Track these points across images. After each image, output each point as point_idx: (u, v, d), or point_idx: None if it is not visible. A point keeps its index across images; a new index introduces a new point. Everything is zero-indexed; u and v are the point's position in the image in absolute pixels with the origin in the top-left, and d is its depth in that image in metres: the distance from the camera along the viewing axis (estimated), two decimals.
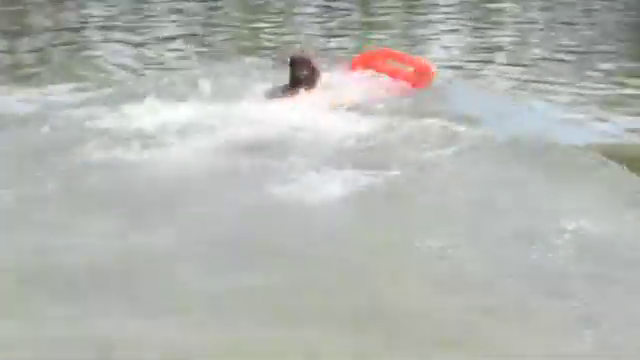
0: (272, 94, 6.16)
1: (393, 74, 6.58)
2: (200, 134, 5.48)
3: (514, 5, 12.55)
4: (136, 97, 6.13)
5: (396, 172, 4.85)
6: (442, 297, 3.53)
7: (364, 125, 5.68)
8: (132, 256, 3.86)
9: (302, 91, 6.09)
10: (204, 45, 9.80)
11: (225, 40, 10.23)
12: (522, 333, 3.24)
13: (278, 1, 13.05)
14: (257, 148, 5.30)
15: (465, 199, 4.56)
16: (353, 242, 4.04)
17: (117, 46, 9.54)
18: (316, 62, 6.26)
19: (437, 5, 12.57)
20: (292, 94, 6.08)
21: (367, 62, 6.78)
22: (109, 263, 3.76)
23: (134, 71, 8.26)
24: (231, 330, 3.24)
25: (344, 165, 4.91)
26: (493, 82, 7.72)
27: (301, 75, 6.12)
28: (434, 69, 6.62)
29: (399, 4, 13.08)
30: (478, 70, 8.25)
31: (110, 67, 8.44)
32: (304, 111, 5.85)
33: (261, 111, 5.84)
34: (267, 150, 5.27)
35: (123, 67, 8.43)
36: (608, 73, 7.99)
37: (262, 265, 3.77)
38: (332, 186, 4.62)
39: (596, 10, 11.98)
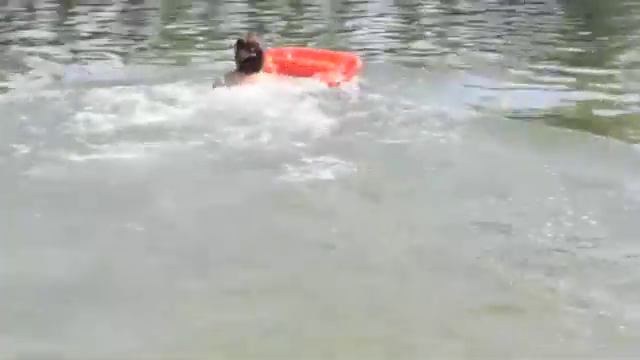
0: (228, 80, 6.11)
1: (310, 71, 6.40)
2: (167, 132, 5.39)
3: None
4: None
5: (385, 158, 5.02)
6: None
7: (332, 111, 5.73)
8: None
9: (260, 74, 6.08)
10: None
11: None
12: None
13: None
14: (238, 139, 5.26)
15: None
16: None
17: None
18: (262, 45, 6.22)
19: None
20: (250, 77, 6.05)
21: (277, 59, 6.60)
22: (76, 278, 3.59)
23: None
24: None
25: (330, 153, 4.94)
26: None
27: (249, 56, 6.03)
28: (359, 62, 6.64)
29: None
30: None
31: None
32: (273, 95, 5.88)
33: (228, 98, 5.84)
34: (251, 140, 5.25)
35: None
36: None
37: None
38: (325, 174, 4.64)
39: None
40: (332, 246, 3.87)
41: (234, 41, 6.28)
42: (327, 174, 4.64)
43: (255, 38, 6.24)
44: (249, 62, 6.05)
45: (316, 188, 4.51)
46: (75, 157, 4.96)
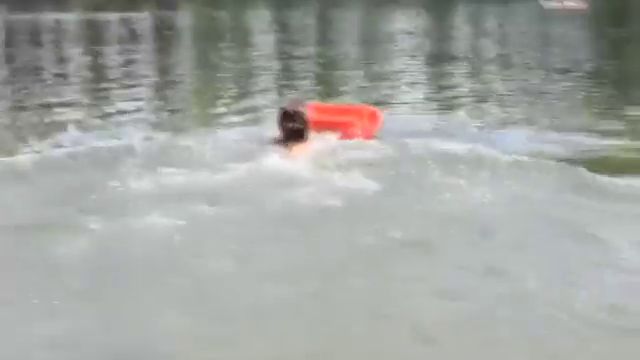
0: (274, 148, 5.97)
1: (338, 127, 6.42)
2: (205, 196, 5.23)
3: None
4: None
5: None
6: None
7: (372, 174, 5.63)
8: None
9: (305, 143, 5.96)
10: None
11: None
12: None
13: None
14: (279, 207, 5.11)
15: None
16: None
17: None
18: (308, 115, 6.05)
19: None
20: (295, 147, 5.92)
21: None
22: None
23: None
24: None
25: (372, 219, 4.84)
26: None
27: (296, 128, 5.94)
28: (381, 114, 6.79)
29: None
30: None
31: None
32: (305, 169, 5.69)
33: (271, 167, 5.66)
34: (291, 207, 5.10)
35: None
36: None
37: None
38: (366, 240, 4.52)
39: None
40: (373, 309, 3.75)
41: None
42: (368, 240, 4.51)
43: (300, 108, 6.08)
44: (295, 133, 5.94)
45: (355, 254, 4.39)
46: (106, 223, 4.78)
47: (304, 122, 5.93)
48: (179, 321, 3.66)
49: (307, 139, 5.96)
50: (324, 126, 6.29)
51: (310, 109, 6.43)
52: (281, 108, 6.10)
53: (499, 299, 3.84)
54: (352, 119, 6.59)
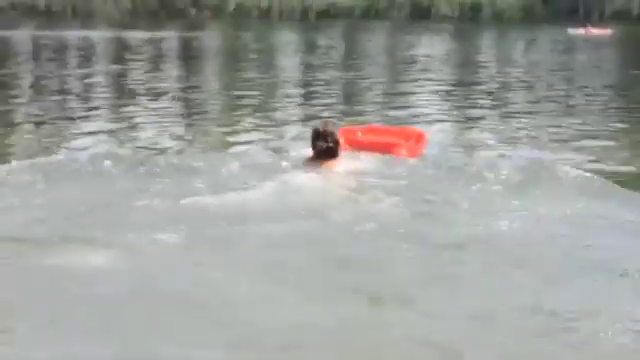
0: (304, 167, 6.15)
1: (383, 148, 6.66)
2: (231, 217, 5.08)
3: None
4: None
5: None
6: None
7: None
8: None
9: (336, 161, 6.15)
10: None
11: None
12: None
13: None
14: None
15: None
16: None
17: None
18: (338, 134, 6.27)
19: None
20: (326, 165, 6.11)
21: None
22: None
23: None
24: None
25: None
26: None
27: (327, 147, 6.12)
28: (427, 135, 7.05)
29: None
30: None
31: None
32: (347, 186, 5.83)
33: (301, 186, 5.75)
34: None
35: None
36: None
37: None
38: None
39: None
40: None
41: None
42: (398, 267, 4.37)
43: (331, 127, 6.29)
44: (326, 151, 6.12)
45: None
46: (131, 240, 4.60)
47: (335, 141, 6.13)
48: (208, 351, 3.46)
49: (337, 157, 6.17)
50: (371, 147, 6.58)
51: (358, 131, 6.86)
52: (314, 128, 6.32)
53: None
54: (399, 140, 6.81)
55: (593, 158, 7.83)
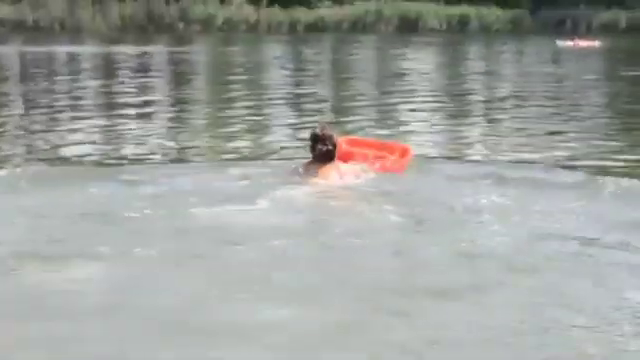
0: (303, 171, 6.28)
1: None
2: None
3: None
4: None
5: None
6: None
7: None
8: None
9: (334, 164, 6.27)
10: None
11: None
12: None
13: None
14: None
15: None
16: None
17: None
18: (336, 137, 6.40)
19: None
20: (324, 168, 6.22)
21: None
22: None
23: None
24: None
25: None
26: None
27: (326, 150, 6.21)
28: (412, 150, 7.12)
29: None
30: None
31: None
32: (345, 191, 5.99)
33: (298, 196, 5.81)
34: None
35: None
36: None
37: None
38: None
39: None
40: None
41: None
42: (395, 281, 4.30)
43: (329, 131, 6.36)
44: (326, 154, 6.21)
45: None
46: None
47: (333, 144, 6.24)
48: None
49: (335, 159, 6.30)
50: (357, 158, 6.67)
51: (345, 142, 6.94)
52: (312, 132, 6.41)
53: None
54: (384, 153, 6.89)
55: (581, 163, 7.77)
